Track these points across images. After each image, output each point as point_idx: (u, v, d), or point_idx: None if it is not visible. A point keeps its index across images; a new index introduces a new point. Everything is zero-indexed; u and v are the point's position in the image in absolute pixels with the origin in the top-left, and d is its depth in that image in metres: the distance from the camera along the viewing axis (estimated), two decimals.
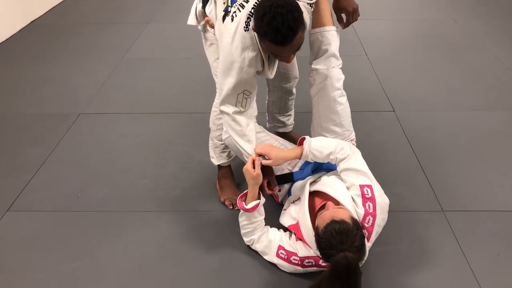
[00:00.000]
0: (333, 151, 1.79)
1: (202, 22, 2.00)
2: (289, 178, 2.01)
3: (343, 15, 2.05)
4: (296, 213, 1.84)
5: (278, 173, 1.98)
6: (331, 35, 1.97)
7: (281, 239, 1.80)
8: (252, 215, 1.83)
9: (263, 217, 1.88)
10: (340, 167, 1.79)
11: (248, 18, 1.67)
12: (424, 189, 2.28)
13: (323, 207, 1.73)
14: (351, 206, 1.67)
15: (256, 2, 1.67)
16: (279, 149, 1.84)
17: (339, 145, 1.81)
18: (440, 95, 3.14)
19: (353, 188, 1.73)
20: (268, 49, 1.66)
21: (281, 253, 1.77)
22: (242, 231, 1.90)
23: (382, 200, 1.71)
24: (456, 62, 3.61)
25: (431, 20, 4.54)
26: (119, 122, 2.93)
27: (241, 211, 1.85)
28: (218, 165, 2.24)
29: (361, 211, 1.67)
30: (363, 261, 1.63)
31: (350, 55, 3.68)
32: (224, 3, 1.79)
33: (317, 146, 1.81)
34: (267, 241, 1.84)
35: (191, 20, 2.04)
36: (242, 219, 1.88)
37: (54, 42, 4.21)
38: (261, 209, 1.85)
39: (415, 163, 2.46)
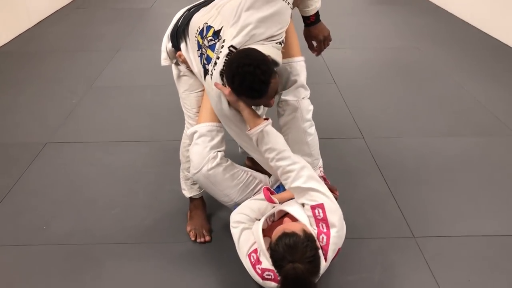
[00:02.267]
0: (277, 151, 1.75)
1: (175, 60, 2.03)
2: None
3: (314, 43, 2.09)
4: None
5: None
6: (300, 66, 1.99)
7: (253, 247, 1.76)
8: (267, 205, 1.84)
9: (262, 218, 1.83)
10: (290, 185, 1.75)
11: (221, 76, 1.73)
12: (395, 215, 2.30)
13: None
14: (307, 223, 1.68)
15: (225, 60, 1.71)
16: (243, 104, 1.77)
17: (287, 153, 1.76)
18: (408, 121, 3.22)
19: (306, 207, 1.73)
20: (247, 103, 1.73)
21: (252, 256, 1.74)
22: (239, 210, 1.87)
23: (335, 218, 1.70)
24: (421, 89, 3.72)
25: (395, 49, 4.69)
26: (87, 151, 2.86)
27: (256, 197, 1.89)
28: (190, 197, 2.21)
29: (315, 231, 1.68)
30: (318, 277, 1.60)
31: (319, 82, 3.74)
32: (199, 56, 1.85)
33: (273, 133, 1.77)
34: (249, 237, 1.78)
35: (164, 61, 2.06)
36: (252, 203, 1.87)
37: (20, 70, 4.13)
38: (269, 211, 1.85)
39: (385, 189, 2.49)
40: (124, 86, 3.81)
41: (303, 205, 1.75)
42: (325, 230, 1.67)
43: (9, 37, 4.88)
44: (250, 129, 1.77)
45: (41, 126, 3.14)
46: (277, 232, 1.60)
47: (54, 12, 5.99)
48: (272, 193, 1.89)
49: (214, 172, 1.88)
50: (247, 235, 1.79)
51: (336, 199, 1.79)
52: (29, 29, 5.29)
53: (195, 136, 1.94)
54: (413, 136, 3.04)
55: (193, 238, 2.13)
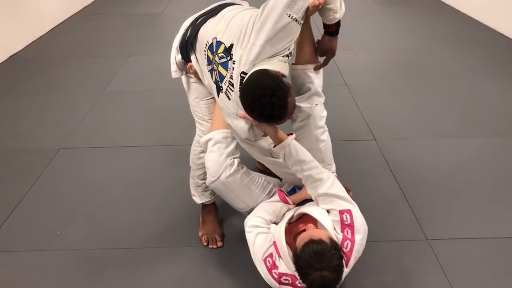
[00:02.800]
0: (306, 162, 1.78)
1: (185, 71, 2.03)
2: None
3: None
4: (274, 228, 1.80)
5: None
6: (315, 72, 1.97)
7: (273, 249, 1.75)
8: (282, 207, 1.84)
9: (283, 221, 1.80)
10: (318, 192, 1.76)
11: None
12: (407, 218, 2.28)
13: (304, 231, 1.72)
14: (331, 229, 1.67)
15: (240, 85, 1.71)
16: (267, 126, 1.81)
17: (315, 163, 1.80)
18: (420, 123, 3.19)
19: (333, 213, 1.72)
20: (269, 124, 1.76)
21: (268, 261, 1.72)
22: (255, 213, 1.85)
23: (361, 225, 1.70)
24: (434, 91, 3.69)
25: (408, 50, 4.66)
26: (100, 156, 2.89)
27: (271, 200, 1.89)
28: (202, 203, 2.21)
29: (340, 236, 1.67)
30: (339, 285, 1.60)
31: (330, 85, 3.71)
32: (209, 71, 1.84)
33: (298, 146, 1.80)
34: (264, 241, 1.76)
35: (175, 74, 2.06)
36: (267, 205, 1.86)
37: (34, 76, 4.18)
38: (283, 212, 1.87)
39: (398, 192, 2.47)
40: (136, 90, 3.84)
41: (328, 211, 1.74)
42: (350, 236, 1.66)
43: (23, 44, 4.95)
44: (275, 146, 1.79)
45: (54, 132, 3.18)
46: (302, 238, 1.59)
47: (67, 19, 6.06)
48: (286, 194, 1.89)
49: (233, 179, 1.88)
50: (262, 240, 1.78)
51: None
52: (42, 36, 5.35)
53: (210, 143, 1.93)
54: (425, 137, 3.01)
55: (205, 243, 2.13)
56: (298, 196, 1.91)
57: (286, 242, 1.69)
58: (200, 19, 1.94)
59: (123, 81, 4.04)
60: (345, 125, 3.15)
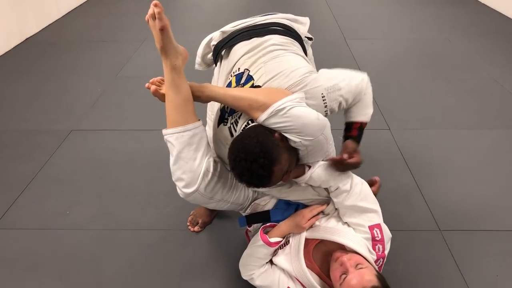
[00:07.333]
0: (333, 185, 1.66)
1: (208, 67, 1.99)
2: (264, 217, 1.77)
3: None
4: (287, 264, 1.63)
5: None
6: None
7: (290, 281, 1.62)
8: (269, 251, 1.66)
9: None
10: (344, 203, 1.64)
11: None
12: (421, 208, 2.24)
13: (317, 247, 1.63)
14: (368, 255, 1.56)
15: (242, 129, 1.58)
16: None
17: (341, 175, 1.66)
18: (436, 113, 3.13)
19: (362, 230, 1.62)
20: None
21: None
22: (244, 262, 1.72)
23: (388, 237, 1.64)
24: (451, 81, 3.61)
25: (425, 40, 4.56)
26: (111, 139, 2.88)
27: (251, 243, 1.71)
28: None
29: (374, 256, 1.58)
30: None
31: None
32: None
33: (318, 176, 1.64)
34: (272, 277, 1.64)
35: (198, 66, 2.01)
36: (253, 251, 1.68)
37: (48, 59, 4.19)
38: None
39: (412, 182, 2.42)
40: (149, 75, 3.75)
41: (354, 229, 1.64)
42: (381, 252, 1.61)
43: (38, 28, 4.96)
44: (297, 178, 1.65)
45: (67, 114, 3.18)
46: (350, 286, 1.44)
47: (83, 3, 6.07)
48: (271, 226, 1.71)
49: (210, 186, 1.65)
50: (268, 279, 1.65)
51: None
52: (58, 19, 5.37)
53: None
54: (441, 128, 2.95)
55: (188, 223, 2.13)
56: (283, 228, 1.69)
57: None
58: (244, 32, 1.79)
59: (136, 66, 4.03)
60: None
